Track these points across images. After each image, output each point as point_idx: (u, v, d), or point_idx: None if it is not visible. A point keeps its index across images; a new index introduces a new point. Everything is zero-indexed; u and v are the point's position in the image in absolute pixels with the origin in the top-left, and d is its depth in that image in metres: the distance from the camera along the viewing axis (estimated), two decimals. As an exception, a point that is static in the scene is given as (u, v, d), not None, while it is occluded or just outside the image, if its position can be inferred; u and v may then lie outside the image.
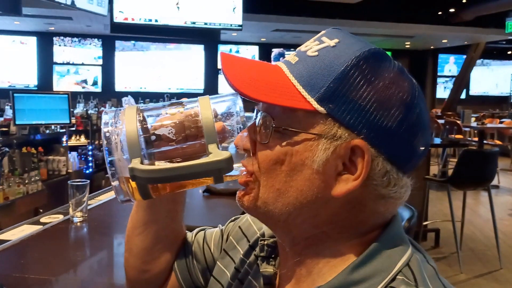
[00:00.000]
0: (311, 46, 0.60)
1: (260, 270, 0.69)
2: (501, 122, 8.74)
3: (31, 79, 11.61)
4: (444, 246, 4.09)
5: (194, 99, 0.63)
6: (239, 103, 0.63)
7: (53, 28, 11.01)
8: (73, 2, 4.57)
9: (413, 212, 1.55)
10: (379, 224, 0.60)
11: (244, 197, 0.62)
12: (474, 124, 7.37)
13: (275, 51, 3.59)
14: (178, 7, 5.48)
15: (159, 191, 0.64)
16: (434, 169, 6.55)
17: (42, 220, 1.64)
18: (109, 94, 10.66)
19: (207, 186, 2.04)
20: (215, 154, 0.58)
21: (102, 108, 6.17)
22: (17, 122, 4.21)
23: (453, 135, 7.45)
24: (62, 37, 11.75)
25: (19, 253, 1.39)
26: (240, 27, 6.01)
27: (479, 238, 4.42)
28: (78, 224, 1.60)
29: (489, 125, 7.72)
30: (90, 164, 5.13)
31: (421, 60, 13.68)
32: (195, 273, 0.81)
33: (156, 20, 5.52)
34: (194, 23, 5.69)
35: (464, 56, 12.52)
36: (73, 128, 5.37)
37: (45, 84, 11.47)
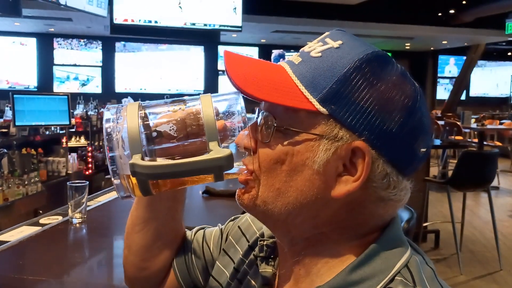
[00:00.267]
0: (314, 47, 0.60)
1: (259, 270, 0.69)
2: (501, 124, 8.73)
3: (31, 80, 11.62)
4: (444, 247, 4.09)
5: (196, 97, 0.63)
6: (241, 101, 0.63)
7: (53, 29, 11.02)
8: (66, 3, 4.58)
9: (412, 213, 1.55)
10: (378, 226, 0.60)
11: (244, 195, 0.62)
12: (474, 125, 7.37)
13: (275, 52, 3.59)
14: (180, 7, 5.48)
15: (160, 187, 0.64)
16: (434, 171, 6.55)
17: (41, 221, 1.64)
18: (109, 95, 10.67)
19: (206, 187, 2.04)
20: (216, 151, 0.58)
21: (102, 110, 6.17)
22: (17, 123, 4.21)
23: (453, 137, 7.45)
24: (62, 38, 11.76)
25: (18, 254, 1.39)
26: (240, 28, 6.02)
27: (479, 239, 4.42)
28: (77, 225, 1.60)
29: (489, 127, 7.72)
30: (90, 166, 5.13)
31: (421, 62, 13.69)
32: (194, 271, 0.81)
33: (156, 21, 5.53)
34: (194, 24, 5.69)
35: (464, 58, 12.53)
36: (73, 129, 5.37)
37: (45, 85, 11.47)
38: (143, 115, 0.61)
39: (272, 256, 0.69)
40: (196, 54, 12.60)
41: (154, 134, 0.61)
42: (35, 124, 4.37)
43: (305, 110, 0.56)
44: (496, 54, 14.67)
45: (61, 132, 4.90)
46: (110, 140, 0.60)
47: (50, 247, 1.47)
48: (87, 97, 6.54)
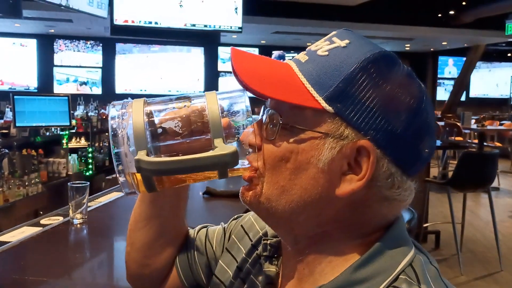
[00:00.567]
0: (321, 46, 0.60)
1: (263, 269, 0.69)
2: (501, 124, 8.73)
3: (32, 81, 11.63)
4: (445, 248, 4.08)
5: (201, 94, 0.64)
6: (246, 99, 0.63)
7: (53, 31, 11.03)
8: (66, 4, 4.58)
9: (413, 214, 1.55)
10: (382, 226, 0.60)
11: (248, 193, 0.62)
12: (474, 126, 7.37)
13: (275, 53, 3.59)
14: (181, 5, 5.47)
15: (164, 184, 0.64)
16: (434, 171, 6.55)
17: (42, 222, 1.64)
18: (109, 96, 10.66)
19: (207, 187, 2.04)
20: (221, 148, 0.58)
21: (103, 111, 6.17)
22: (17, 124, 4.21)
23: (453, 137, 7.45)
24: (62, 40, 11.77)
25: (19, 254, 1.39)
26: (240, 30, 6.02)
27: (480, 240, 4.42)
28: (78, 226, 1.60)
29: (489, 127, 7.72)
30: (90, 166, 5.13)
31: (421, 63, 13.69)
32: (196, 269, 0.81)
33: (156, 23, 5.53)
34: (194, 25, 5.69)
35: (464, 58, 12.53)
36: (73, 130, 5.37)
37: (45, 86, 11.48)
38: (148, 111, 0.62)
39: (275, 255, 0.70)
40: (196, 55, 12.61)
41: (159, 130, 0.61)
42: (36, 125, 4.37)
43: (311, 108, 0.56)
44: (496, 55, 14.67)
45: (61, 133, 4.91)
46: (115, 136, 0.60)
47: (51, 247, 1.47)
48: (87, 98, 6.53)
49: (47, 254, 1.42)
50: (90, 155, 5.14)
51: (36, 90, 11.44)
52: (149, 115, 0.61)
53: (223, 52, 12.62)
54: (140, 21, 5.46)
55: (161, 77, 12.23)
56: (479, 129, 6.97)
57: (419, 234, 3.90)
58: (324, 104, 0.56)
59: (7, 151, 3.57)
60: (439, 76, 14.75)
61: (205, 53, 12.60)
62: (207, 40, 7.00)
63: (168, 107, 0.64)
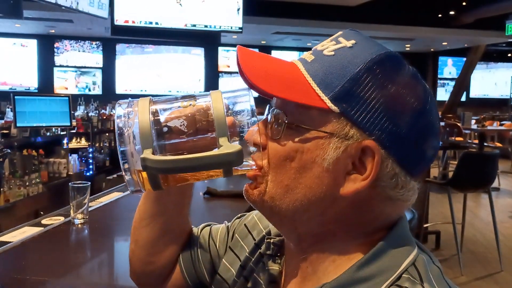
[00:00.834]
0: (327, 46, 0.60)
1: (267, 268, 0.69)
2: (501, 125, 8.74)
3: (32, 82, 11.64)
4: (445, 248, 4.09)
5: (206, 93, 0.64)
6: (251, 98, 0.63)
7: (53, 31, 11.04)
8: (66, 5, 4.58)
9: (413, 214, 1.56)
10: (385, 225, 0.60)
11: (252, 191, 0.63)
12: (474, 126, 7.37)
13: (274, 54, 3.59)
14: (180, 4, 5.47)
15: (169, 182, 0.64)
16: (435, 172, 6.55)
17: (43, 222, 1.64)
18: (110, 97, 10.67)
19: (208, 188, 2.04)
20: (226, 147, 0.58)
21: (103, 111, 6.17)
22: (18, 125, 4.22)
23: (453, 138, 7.45)
24: (62, 40, 11.78)
25: (20, 254, 1.40)
26: (241, 30, 6.02)
27: (480, 240, 4.42)
28: (79, 226, 1.60)
29: (489, 128, 7.72)
30: (91, 167, 5.13)
31: (421, 63, 13.70)
32: (200, 267, 0.81)
33: (156, 23, 5.53)
34: (194, 25, 5.70)
35: (464, 59, 12.53)
36: (74, 131, 5.37)
37: (45, 86, 11.49)
38: (154, 110, 0.62)
39: (278, 254, 0.70)
40: (196, 55, 12.61)
41: (165, 129, 0.62)
42: (36, 125, 4.38)
43: (316, 108, 0.57)
44: (496, 55, 14.67)
45: (62, 133, 4.91)
46: (121, 135, 0.60)
47: (52, 247, 1.48)
48: (87, 99, 6.54)
49: (48, 254, 1.42)
50: (90, 155, 5.14)
51: (36, 91, 11.45)
52: (155, 113, 0.62)
53: (224, 52, 12.63)
54: (140, 22, 5.46)
55: (162, 78, 12.23)
56: (479, 130, 6.97)
57: (419, 234, 3.90)
58: (329, 104, 0.56)
59: (8, 151, 3.57)
60: (439, 76, 14.76)
61: (205, 53, 12.61)
62: (208, 40, 7.01)
63: (173, 106, 0.64)
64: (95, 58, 12.07)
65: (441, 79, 14.88)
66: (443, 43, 12.67)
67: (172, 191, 0.76)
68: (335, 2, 8.90)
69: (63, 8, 4.62)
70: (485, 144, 7.30)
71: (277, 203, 0.60)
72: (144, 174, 0.61)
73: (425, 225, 4.05)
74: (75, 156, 4.84)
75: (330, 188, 0.57)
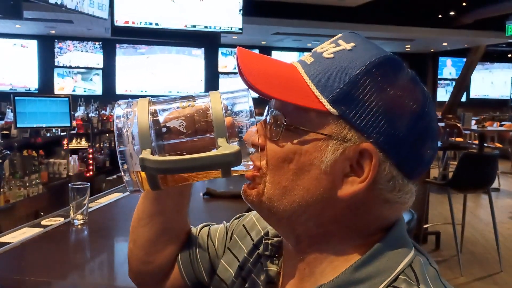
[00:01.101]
0: (327, 48, 0.60)
1: (264, 268, 0.70)
2: (501, 125, 8.74)
3: (32, 82, 11.65)
4: (445, 249, 4.09)
5: (205, 94, 0.64)
6: (250, 99, 0.64)
7: (54, 32, 11.05)
8: (66, 5, 4.59)
9: (412, 215, 1.56)
10: (383, 227, 0.61)
11: (250, 191, 0.63)
12: (474, 127, 7.37)
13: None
14: (173, 0, 5.46)
15: (168, 182, 0.65)
16: (435, 172, 6.55)
17: (43, 222, 1.64)
18: (110, 97, 10.68)
19: (207, 189, 2.05)
20: (224, 147, 0.59)
21: (103, 112, 6.17)
22: (18, 125, 4.22)
23: (453, 138, 7.45)
24: (63, 40, 11.78)
25: (20, 255, 1.40)
26: (241, 31, 6.02)
27: (480, 241, 4.42)
28: (79, 226, 1.60)
29: (489, 128, 7.72)
30: (91, 167, 5.13)
31: (421, 63, 13.70)
32: (198, 267, 0.81)
33: (156, 24, 5.53)
34: (194, 26, 5.70)
35: (464, 59, 12.54)
36: (74, 131, 5.37)
37: (46, 87, 11.49)
38: (153, 110, 0.62)
39: (276, 255, 0.70)
40: (196, 56, 12.62)
41: (164, 129, 0.62)
42: (36, 126, 4.38)
43: (315, 110, 0.57)
44: (496, 55, 14.68)
45: (62, 134, 4.91)
46: (120, 135, 0.61)
47: (52, 248, 1.48)
48: (88, 99, 6.54)
49: (48, 255, 1.42)
50: (90, 156, 5.15)
51: (36, 91, 11.46)
52: (154, 114, 0.62)
53: (224, 53, 12.63)
54: (140, 22, 5.46)
55: (162, 78, 12.24)
56: (479, 130, 6.97)
57: (419, 235, 3.90)
58: (328, 106, 0.56)
59: (8, 152, 3.57)
60: (439, 77, 14.76)
61: (205, 54, 12.61)
62: (208, 41, 7.01)
63: (172, 106, 0.64)
64: (96, 58, 12.07)
65: (441, 79, 14.88)
66: (443, 44, 12.68)
67: (171, 191, 0.77)
68: (335, 2, 8.91)
69: (64, 9, 4.62)
70: (485, 144, 7.31)
71: (274, 204, 0.61)
72: (143, 174, 0.61)
73: (425, 226, 4.05)
74: (75, 156, 4.84)
75: (327, 190, 0.58)
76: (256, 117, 0.64)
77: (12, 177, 3.82)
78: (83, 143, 5.53)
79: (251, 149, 0.62)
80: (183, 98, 0.65)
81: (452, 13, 10.19)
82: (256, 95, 0.61)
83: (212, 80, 12.55)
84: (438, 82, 14.72)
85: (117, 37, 9.80)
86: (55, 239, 1.53)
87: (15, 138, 4.30)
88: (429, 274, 0.57)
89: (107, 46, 11.98)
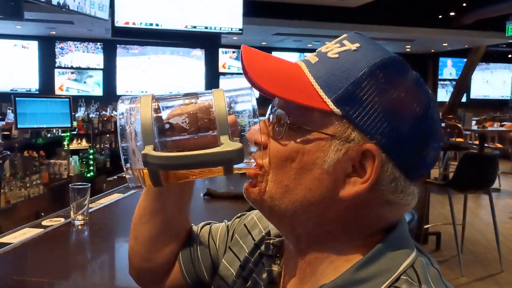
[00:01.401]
0: (331, 48, 0.60)
1: (266, 268, 0.70)
2: (502, 126, 8.73)
3: (33, 83, 11.65)
4: (445, 249, 4.09)
5: (209, 91, 0.64)
6: (253, 97, 0.64)
7: (54, 32, 11.05)
8: (67, 6, 4.59)
9: (413, 215, 1.56)
10: (384, 228, 0.61)
11: (252, 189, 0.63)
12: (474, 127, 7.37)
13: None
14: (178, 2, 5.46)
15: (170, 179, 0.65)
16: (435, 173, 6.55)
17: (44, 223, 1.64)
18: (110, 98, 10.68)
19: (208, 189, 2.05)
20: (227, 144, 0.58)
21: (104, 112, 6.18)
22: (18, 126, 4.23)
23: (454, 139, 7.45)
24: (63, 41, 11.79)
25: (20, 256, 1.40)
26: (241, 31, 6.02)
27: (480, 241, 4.42)
28: (79, 227, 1.60)
29: (489, 129, 7.72)
30: (91, 168, 5.13)
31: (421, 64, 13.69)
32: (199, 265, 0.81)
33: (157, 24, 5.54)
34: (195, 27, 5.70)
35: (465, 60, 12.53)
36: (75, 132, 5.38)
37: (46, 88, 11.50)
38: (156, 107, 0.62)
39: (278, 255, 0.70)
40: (197, 56, 12.63)
41: (167, 126, 0.62)
42: (37, 126, 4.38)
43: (319, 109, 0.57)
44: (496, 56, 14.67)
45: (62, 134, 4.92)
46: (123, 131, 0.61)
47: (52, 249, 1.48)
48: (88, 100, 6.54)
49: (49, 255, 1.43)
50: (91, 156, 5.15)
51: (37, 92, 11.47)
52: (157, 110, 0.62)
53: (224, 54, 12.64)
54: (141, 23, 5.46)
55: (162, 78, 12.24)
56: (479, 130, 6.97)
57: (419, 235, 3.90)
58: (332, 106, 0.56)
59: (8, 152, 3.58)
60: (439, 77, 14.76)
61: (205, 54, 12.62)
62: (208, 41, 7.01)
63: (175, 103, 0.64)
64: (97, 59, 12.08)
65: (441, 80, 14.88)
66: (444, 44, 12.67)
67: (173, 189, 0.77)
68: (336, 3, 8.91)
69: (65, 10, 4.63)
70: (485, 145, 7.30)
71: (276, 203, 0.61)
72: (145, 170, 0.61)
73: (425, 226, 4.05)
74: (75, 157, 4.84)
75: (329, 190, 0.58)
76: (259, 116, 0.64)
77: (12, 177, 3.82)
78: (84, 143, 5.53)
79: (254, 148, 0.62)
80: (186, 95, 0.65)
81: (452, 13, 10.18)
82: (260, 94, 0.61)
83: (212, 80, 12.55)
84: (439, 82, 14.72)
85: (118, 38, 9.81)
86: (55, 240, 1.53)
87: (15, 138, 4.31)
88: (431, 275, 0.57)
89: (108, 47, 11.99)
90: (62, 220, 1.67)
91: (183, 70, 12.47)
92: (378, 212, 0.59)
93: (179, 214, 0.81)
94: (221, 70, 12.84)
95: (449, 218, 3.74)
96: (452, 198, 3.68)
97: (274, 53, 3.49)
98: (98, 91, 11.97)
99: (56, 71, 11.84)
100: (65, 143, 4.84)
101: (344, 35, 0.62)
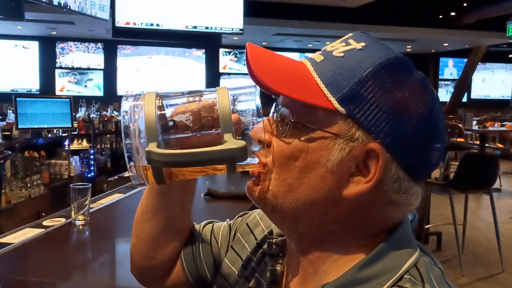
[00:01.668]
0: (337, 47, 0.60)
1: (268, 267, 0.69)
2: (502, 125, 8.73)
3: (34, 83, 11.66)
4: (446, 249, 4.08)
5: (213, 89, 0.64)
6: (257, 96, 0.63)
7: (55, 33, 11.06)
8: (68, 7, 4.59)
9: (414, 215, 1.56)
10: (388, 228, 0.60)
11: (255, 187, 0.63)
12: (475, 127, 7.37)
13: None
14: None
15: (173, 176, 0.64)
16: (436, 173, 6.54)
17: (44, 223, 1.64)
18: (111, 98, 10.69)
19: (208, 189, 2.05)
20: (231, 142, 0.58)
21: (104, 112, 6.18)
22: (19, 126, 4.23)
23: (454, 139, 7.45)
24: (64, 42, 11.80)
25: (21, 256, 1.40)
26: (242, 31, 6.02)
27: (481, 241, 4.41)
28: (80, 227, 1.60)
29: (490, 128, 7.72)
30: (92, 168, 5.14)
31: (422, 64, 13.69)
32: (201, 264, 0.81)
33: (157, 25, 5.54)
34: (195, 27, 5.70)
35: (465, 60, 12.53)
36: (75, 132, 5.38)
37: (47, 88, 11.51)
38: (160, 104, 0.62)
39: (280, 254, 0.70)
40: (197, 56, 12.63)
41: (170, 123, 0.62)
42: (38, 127, 4.39)
43: (323, 108, 0.57)
44: (497, 56, 14.67)
45: (63, 135, 4.92)
46: (127, 128, 0.61)
47: (53, 249, 1.48)
48: (89, 100, 6.55)
49: (49, 255, 1.43)
50: (92, 156, 5.15)
51: (38, 92, 11.48)
52: (161, 108, 0.62)
53: (224, 54, 12.64)
54: (141, 23, 5.47)
55: (162, 79, 12.26)
56: (480, 130, 6.97)
57: (420, 236, 3.89)
58: (337, 105, 0.56)
59: (9, 153, 3.58)
60: (440, 77, 14.76)
61: (206, 55, 12.62)
62: (208, 41, 7.01)
63: (179, 100, 0.64)
64: (96, 59, 12.09)
65: (442, 80, 14.88)
66: (444, 44, 12.67)
67: (175, 187, 0.77)
68: (336, 3, 8.91)
69: (66, 10, 4.63)
70: (486, 145, 7.30)
71: (279, 202, 0.60)
72: (148, 167, 0.61)
73: (426, 226, 4.04)
74: (76, 157, 4.85)
75: (333, 189, 0.58)
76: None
77: (13, 178, 3.82)
78: (85, 143, 5.54)
79: (257, 146, 0.62)
80: (190, 93, 0.65)
81: (453, 13, 10.19)
82: (264, 92, 0.61)
83: (213, 81, 12.56)
84: (439, 82, 14.72)
85: (118, 38, 9.82)
86: (56, 240, 1.53)
87: (16, 139, 4.31)
88: (434, 274, 0.57)
89: (109, 47, 12.00)
90: (63, 220, 1.67)
91: (184, 70, 12.48)
92: (382, 212, 0.59)
93: (181, 212, 0.81)
94: (221, 70, 12.84)
95: (450, 218, 3.74)
96: (453, 198, 3.68)
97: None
98: (99, 93, 11.98)
99: (57, 71, 11.86)
100: (66, 143, 4.84)
101: (350, 34, 0.62)
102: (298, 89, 0.57)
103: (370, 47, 0.59)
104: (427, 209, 4.03)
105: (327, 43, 0.64)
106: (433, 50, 14.00)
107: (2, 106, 8.53)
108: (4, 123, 4.85)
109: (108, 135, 6.11)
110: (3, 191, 3.62)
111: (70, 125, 4.66)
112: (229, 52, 12.75)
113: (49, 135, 4.74)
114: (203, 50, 12.57)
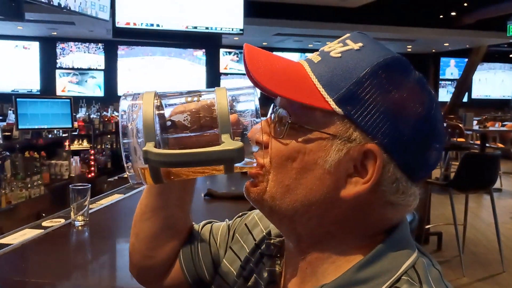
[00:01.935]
0: (334, 47, 0.60)
1: (267, 268, 0.69)
2: (503, 125, 8.72)
3: (34, 84, 11.67)
4: (446, 249, 4.08)
5: (211, 89, 0.64)
6: (256, 97, 0.63)
7: (55, 33, 11.07)
8: (68, 7, 4.60)
9: (414, 215, 1.56)
10: (386, 229, 0.60)
11: (252, 188, 0.63)
12: (476, 127, 7.36)
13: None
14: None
15: (170, 176, 0.64)
16: (436, 173, 6.54)
17: (44, 224, 1.65)
18: (111, 99, 10.70)
19: (208, 189, 2.05)
20: (228, 143, 0.58)
21: (105, 113, 6.18)
22: (19, 127, 4.23)
23: (455, 139, 7.44)
24: (64, 42, 11.81)
25: (21, 257, 1.40)
26: (242, 32, 6.02)
27: (482, 241, 4.41)
28: (80, 228, 1.60)
29: (491, 128, 7.71)
30: (92, 169, 5.14)
31: (423, 64, 13.69)
32: (199, 264, 0.81)
33: (158, 25, 5.54)
34: (195, 27, 5.70)
35: (466, 60, 12.52)
36: (76, 133, 5.38)
37: (47, 88, 11.52)
38: (158, 103, 0.62)
39: (278, 255, 0.70)
40: (198, 57, 12.64)
41: (168, 123, 0.62)
42: (38, 127, 4.39)
43: (321, 109, 0.57)
44: (498, 56, 14.66)
45: (63, 135, 4.92)
46: (125, 127, 0.61)
47: (53, 249, 1.48)
48: (89, 101, 6.55)
49: (49, 256, 1.43)
50: (92, 157, 5.15)
51: (38, 93, 11.48)
52: (159, 107, 0.62)
53: (225, 54, 12.64)
54: (142, 24, 5.47)
55: (163, 79, 12.26)
56: (481, 130, 6.96)
57: (420, 236, 3.89)
58: (334, 106, 0.56)
59: (7, 153, 3.58)
60: (441, 77, 14.75)
61: (206, 55, 12.63)
62: (209, 42, 7.02)
63: (178, 100, 0.64)
64: (98, 59, 12.10)
65: (442, 80, 14.87)
66: (445, 44, 12.67)
67: (174, 186, 0.77)
68: (336, 3, 8.91)
69: (66, 11, 4.63)
70: (486, 145, 7.29)
71: (277, 203, 0.60)
72: (146, 167, 0.61)
73: (426, 226, 4.04)
74: (76, 158, 4.84)
75: (330, 190, 0.58)
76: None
77: (13, 178, 3.82)
78: (85, 144, 5.54)
79: (255, 147, 0.62)
80: (189, 92, 0.65)
81: (453, 13, 10.18)
82: (262, 93, 0.61)
83: (213, 81, 12.56)
84: (440, 82, 14.71)
85: (119, 39, 9.82)
86: (56, 241, 1.53)
87: (16, 139, 4.31)
88: (432, 275, 0.57)
89: (109, 48, 12.01)
90: (63, 221, 1.67)
91: (184, 70, 12.48)
92: (380, 213, 0.59)
93: (180, 212, 0.81)
94: (222, 71, 12.85)
95: (450, 218, 3.73)
96: (453, 198, 3.68)
97: (275, 54, 3.46)
98: (99, 93, 11.99)
99: (57, 72, 11.87)
100: (66, 143, 4.84)
101: (347, 35, 0.62)
102: (295, 90, 0.57)
103: (368, 48, 0.59)
104: (427, 209, 4.03)
105: (327, 43, 0.64)
106: (433, 50, 14.00)
107: (2, 106, 8.54)
108: (5, 123, 4.85)
109: (109, 136, 6.11)
110: (3, 191, 3.62)
111: (70, 126, 4.66)
112: (230, 52, 12.76)
113: (50, 136, 4.73)
114: (203, 51, 12.58)
